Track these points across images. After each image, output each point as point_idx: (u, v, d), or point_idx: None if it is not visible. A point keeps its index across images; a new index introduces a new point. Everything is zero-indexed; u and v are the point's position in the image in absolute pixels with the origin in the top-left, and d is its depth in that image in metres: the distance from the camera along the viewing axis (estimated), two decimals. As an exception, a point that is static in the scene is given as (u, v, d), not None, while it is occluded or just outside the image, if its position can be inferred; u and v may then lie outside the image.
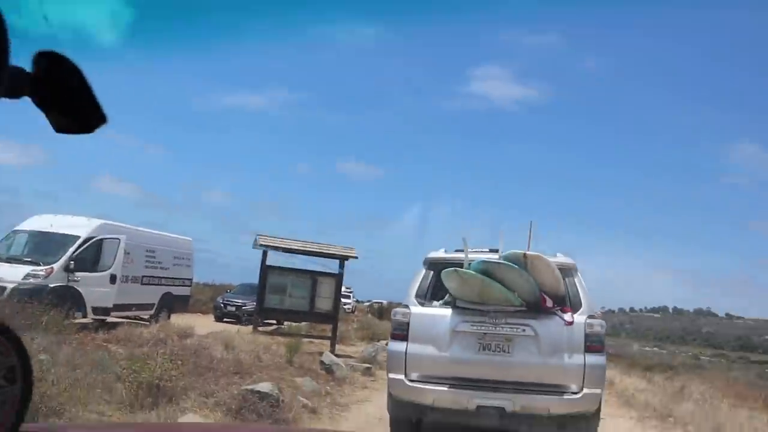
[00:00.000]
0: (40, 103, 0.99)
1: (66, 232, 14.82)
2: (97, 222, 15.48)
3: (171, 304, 18.01)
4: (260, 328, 14.73)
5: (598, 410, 6.84)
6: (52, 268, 14.04)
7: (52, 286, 13.70)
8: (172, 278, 18.15)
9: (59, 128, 1.02)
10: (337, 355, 12.81)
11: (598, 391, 6.56)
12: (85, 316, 14.31)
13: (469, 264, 6.58)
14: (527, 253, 6.65)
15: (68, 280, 14.17)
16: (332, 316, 14.64)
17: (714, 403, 10.97)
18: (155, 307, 17.26)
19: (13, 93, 0.94)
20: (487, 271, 6.43)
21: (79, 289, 14.34)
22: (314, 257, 15.09)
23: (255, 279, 15.25)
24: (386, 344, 7.90)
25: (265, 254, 14.36)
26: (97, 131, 1.03)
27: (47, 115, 1.00)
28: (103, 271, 15.08)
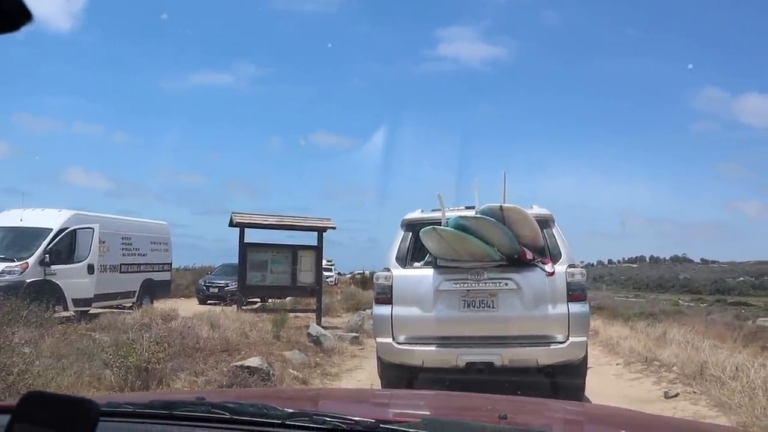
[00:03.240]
0: None
1: (37, 226, 14.52)
2: (68, 213, 15.21)
3: (153, 290, 17.92)
4: (244, 307, 14.69)
5: (585, 358, 6.94)
6: (27, 263, 13.79)
7: (29, 281, 13.47)
8: (151, 264, 18.03)
9: None
10: (323, 327, 12.83)
11: (583, 338, 6.66)
12: (66, 309, 14.11)
13: (447, 221, 6.55)
14: (503, 205, 6.63)
15: (45, 274, 13.94)
16: (315, 289, 14.63)
17: (695, 344, 11.17)
18: (137, 294, 17.18)
19: None
20: (464, 226, 6.40)
21: (58, 282, 14.12)
22: (292, 232, 15.05)
23: (235, 259, 15.17)
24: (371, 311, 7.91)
25: (242, 232, 14.26)
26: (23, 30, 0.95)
27: None
28: (79, 261, 14.82)
